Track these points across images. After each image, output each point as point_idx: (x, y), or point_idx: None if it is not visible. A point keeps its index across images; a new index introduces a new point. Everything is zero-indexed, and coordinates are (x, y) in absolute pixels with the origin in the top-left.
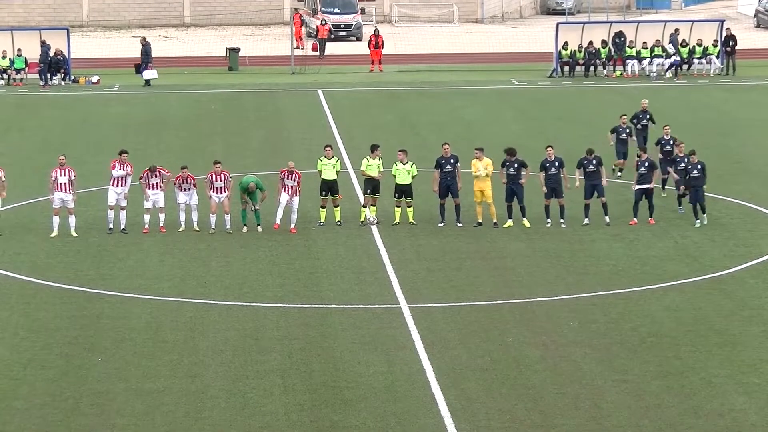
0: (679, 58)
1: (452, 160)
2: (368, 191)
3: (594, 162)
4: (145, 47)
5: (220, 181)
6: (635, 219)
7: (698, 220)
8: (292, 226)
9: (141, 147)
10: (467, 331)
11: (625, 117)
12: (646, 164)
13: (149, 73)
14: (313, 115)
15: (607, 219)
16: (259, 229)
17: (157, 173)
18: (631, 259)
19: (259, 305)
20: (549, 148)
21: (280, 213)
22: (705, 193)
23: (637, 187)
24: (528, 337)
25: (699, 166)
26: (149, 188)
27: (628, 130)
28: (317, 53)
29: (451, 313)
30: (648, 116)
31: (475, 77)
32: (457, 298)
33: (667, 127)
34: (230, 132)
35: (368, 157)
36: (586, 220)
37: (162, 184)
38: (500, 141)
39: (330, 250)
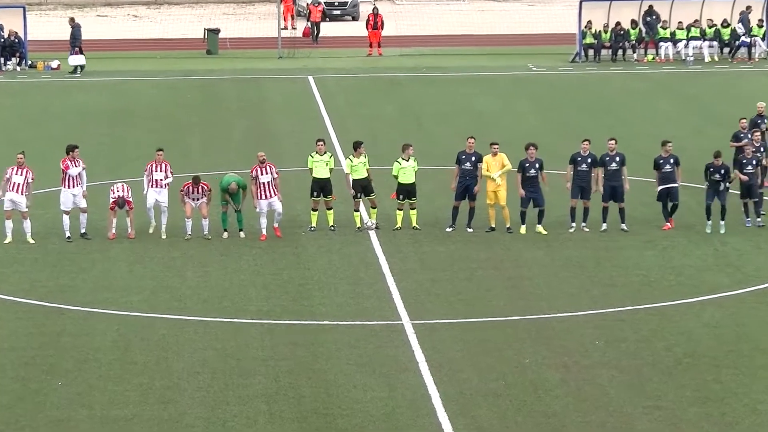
0: (748, 40)
1: (473, 158)
2: (359, 195)
3: (617, 159)
4: (74, 30)
5: (197, 192)
6: (668, 223)
7: (749, 219)
8: (275, 225)
9: (107, 141)
10: (478, 351)
11: (744, 121)
12: (671, 161)
13: (75, 59)
14: (303, 105)
15: (624, 226)
16: (242, 234)
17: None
18: (664, 268)
19: (242, 321)
20: (585, 142)
21: (263, 222)
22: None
23: (661, 187)
24: (547, 358)
25: (754, 161)
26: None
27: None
28: (310, 39)
29: (459, 331)
30: (766, 121)
31: (487, 62)
32: (467, 313)
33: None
34: (209, 124)
35: (351, 157)
36: (604, 226)
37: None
38: (515, 135)
39: (322, 258)
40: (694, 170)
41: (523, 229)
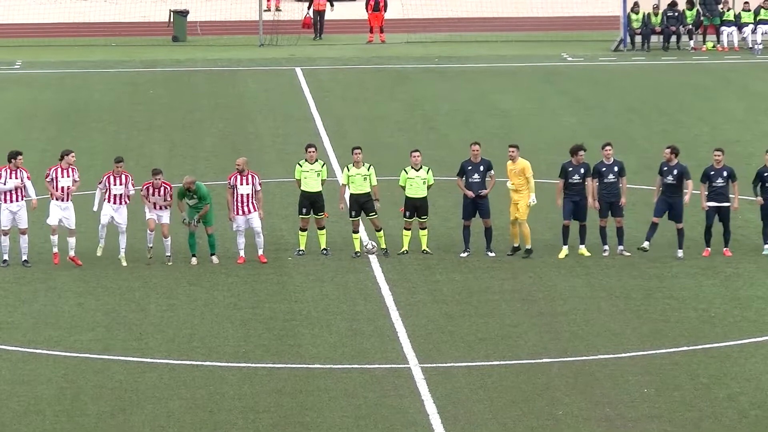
0: None
1: (481, 167)
2: (353, 213)
3: (675, 172)
4: None
5: (158, 195)
6: (708, 248)
7: None
8: (260, 252)
9: (52, 146)
10: (502, 402)
11: None
12: (724, 173)
13: None
14: (289, 104)
15: (680, 253)
16: (214, 260)
17: (162, 188)
18: (727, 301)
19: (215, 365)
20: (607, 147)
21: (241, 241)
22: None
23: (709, 204)
24: (586, 410)
25: None
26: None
27: None
28: (311, 32)
29: (479, 376)
30: None
31: (513, 51)
32: (488, 354)
33: None
34: (175, 126)
35: (350, 166)
36: (646, 244)
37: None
38: (547, 138)
39: (312, 288)
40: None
41: (563, 252)
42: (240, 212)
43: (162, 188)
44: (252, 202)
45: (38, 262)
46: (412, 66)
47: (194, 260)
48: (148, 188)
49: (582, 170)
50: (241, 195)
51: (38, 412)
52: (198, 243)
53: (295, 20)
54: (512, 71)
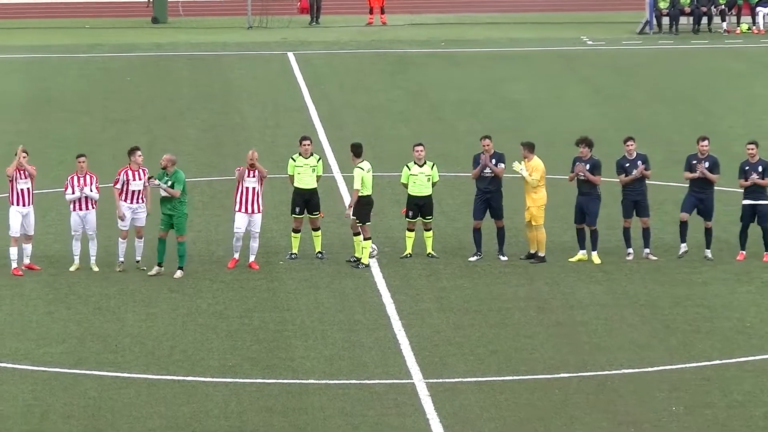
0: None
1: (493, 161)
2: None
3: (708, 164)
4: None
5: (138, 179)
6: (743, 251)
7: None
8: (252, 258)
9: (17, 139)
10: (515, 420)
11: None
12: (759, 168)
13: None
14: (280, 92)
15: (709, 253)
16: (178, 274)
17: (140, 171)
18: (764, 310)
19: (199, 380)
20: (629, 142)
21: (238, 243)
22: None
23: (746, 201)
24: (608, 430)
25: None
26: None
27: None
28: (309, 18)
29: (490, 392)
30: None
31: (527, 33)
32: (500, 369)
33: None
34: (155, 117)
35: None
36: (683, 247)
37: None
38: (564, 132)
39: (307, 296)
40: None
41: (577, 257)
42: (243, 208)
43: (140, 170)
44: (258, 201)
45: (3, 266)
46: (416, 50)
47: (155, 270)
48: (126, 173)
49: (588, 166)
50: (246, 188)
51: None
52: (165, 251)
53: (304, 15)
54: (526, 56)
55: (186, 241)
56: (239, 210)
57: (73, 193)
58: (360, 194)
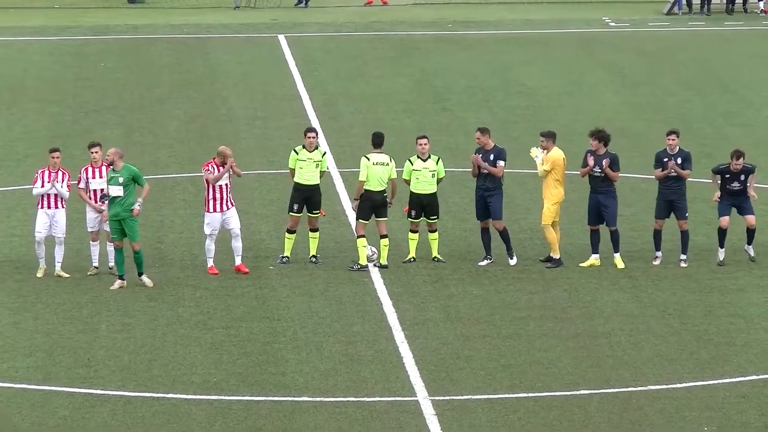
0: None
1: (491, 156)
2: (362, 215)
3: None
4: None
5: (101, 177)
6: None
7: None
8: (238, 261)
9: None
10: None
11: None
12: None
13: None
14: (270, 79)
15: (751, 251)
16: (146, 281)
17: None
18: None
19: (180, 397)
20: (672, 136)
21: (211, 246)
22: None
23: None
24: None
25: None
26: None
27: None
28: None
29: (502, 411)
30: None
31: (543, 14)
32: (512, 385)
33: None
34: (131, 107)
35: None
36: (721, 253)
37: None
38: (585, 121)
39: (300, 304)
40: None
41: (589, 261)
42: (215, 208)
43: (101, 167)
44: (230, 197)
45: None
46: (421, 33)
47: (118, 284)
48: (86, 171)
49: (603, 162)
50: (220, 186)
51: None
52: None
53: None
54: (542, 40)
55: (141, 249)
56: (213, 210)
57: (42, 186)
58: (369, 189)
